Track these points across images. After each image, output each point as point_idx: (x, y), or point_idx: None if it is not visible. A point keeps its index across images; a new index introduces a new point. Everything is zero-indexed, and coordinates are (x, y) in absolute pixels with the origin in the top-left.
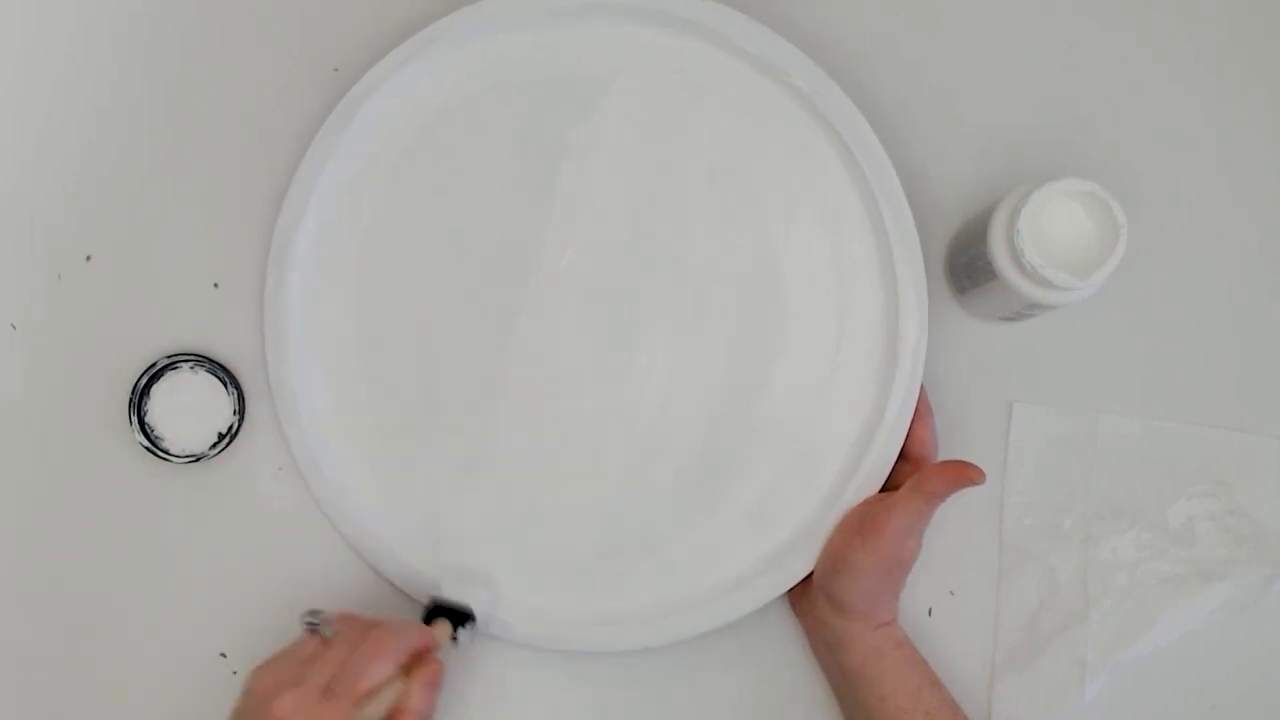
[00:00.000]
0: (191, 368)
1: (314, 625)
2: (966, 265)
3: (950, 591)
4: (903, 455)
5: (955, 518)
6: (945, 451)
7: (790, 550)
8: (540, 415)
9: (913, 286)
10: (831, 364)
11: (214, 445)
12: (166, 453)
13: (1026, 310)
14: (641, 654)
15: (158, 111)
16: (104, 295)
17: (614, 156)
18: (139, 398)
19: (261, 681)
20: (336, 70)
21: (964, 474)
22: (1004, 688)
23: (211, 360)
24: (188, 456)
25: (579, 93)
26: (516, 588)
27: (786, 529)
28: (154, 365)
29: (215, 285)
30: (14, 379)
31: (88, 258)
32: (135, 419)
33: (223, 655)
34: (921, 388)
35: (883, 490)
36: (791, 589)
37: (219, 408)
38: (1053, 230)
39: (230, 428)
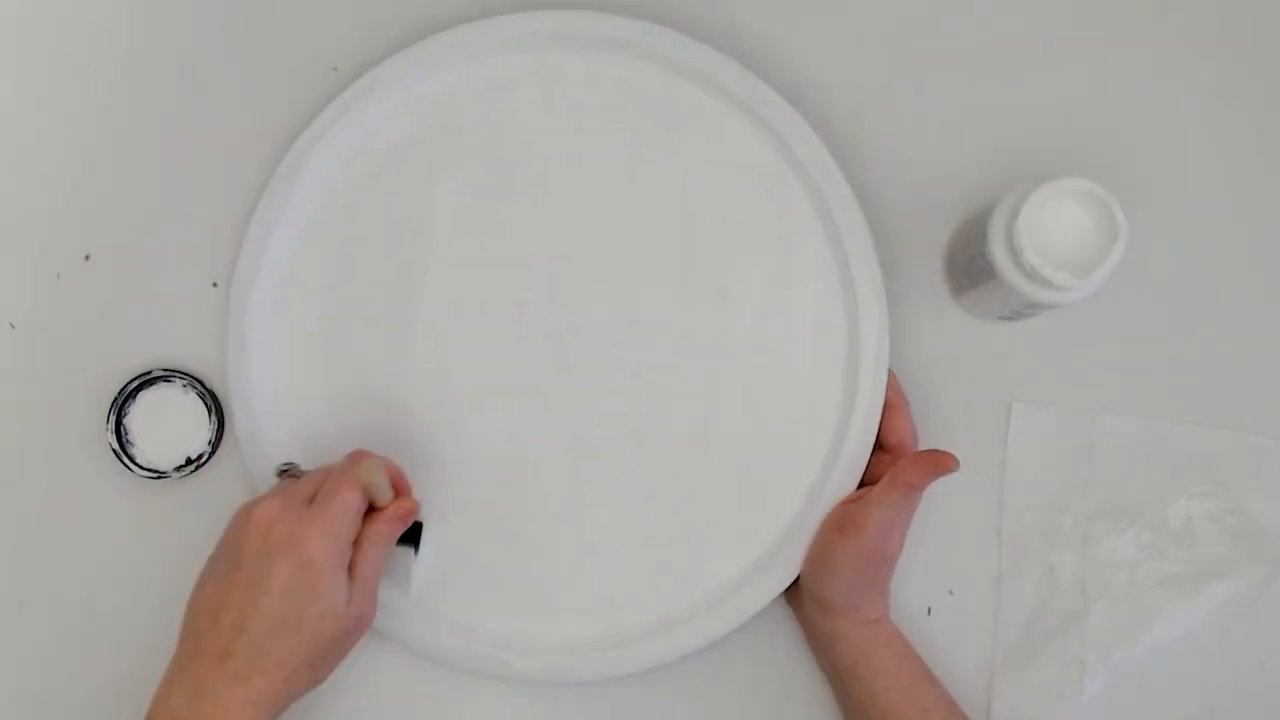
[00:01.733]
0: (184, 385)
1: (289, 470)
2: (966, 264)
3: (950, 591)
4: (881, 446)
5: (955, 517)
6: (946, 449)
7: (776, 554)
8: (513, 449)
9: (868, 280)
10: (798, 367)
11: (179, 468)
12: (132, 461)
13: (1026, 310)
14: (637, 675)
15: (158, 110)
16: (103, 295)
17: (569, 185)
18: (123, 400)
19: (243, 508)
20: (335, 69)
21: (938, 462)
22: (1003, 687)
23: (203, 385)
24: (151, 472)
25: (529, 125)
26: (507, 623)
27: (771, 533)
28: (149, 373)
29: (214, 285)
30: (12, 378)
31: (87, 257)
32: (113, 420)
33: None
34: (893, 378)
35: (863, 483)
36: (787, 590)
37: (196, 433)
38: (1052, 230)
39: (200, 456)
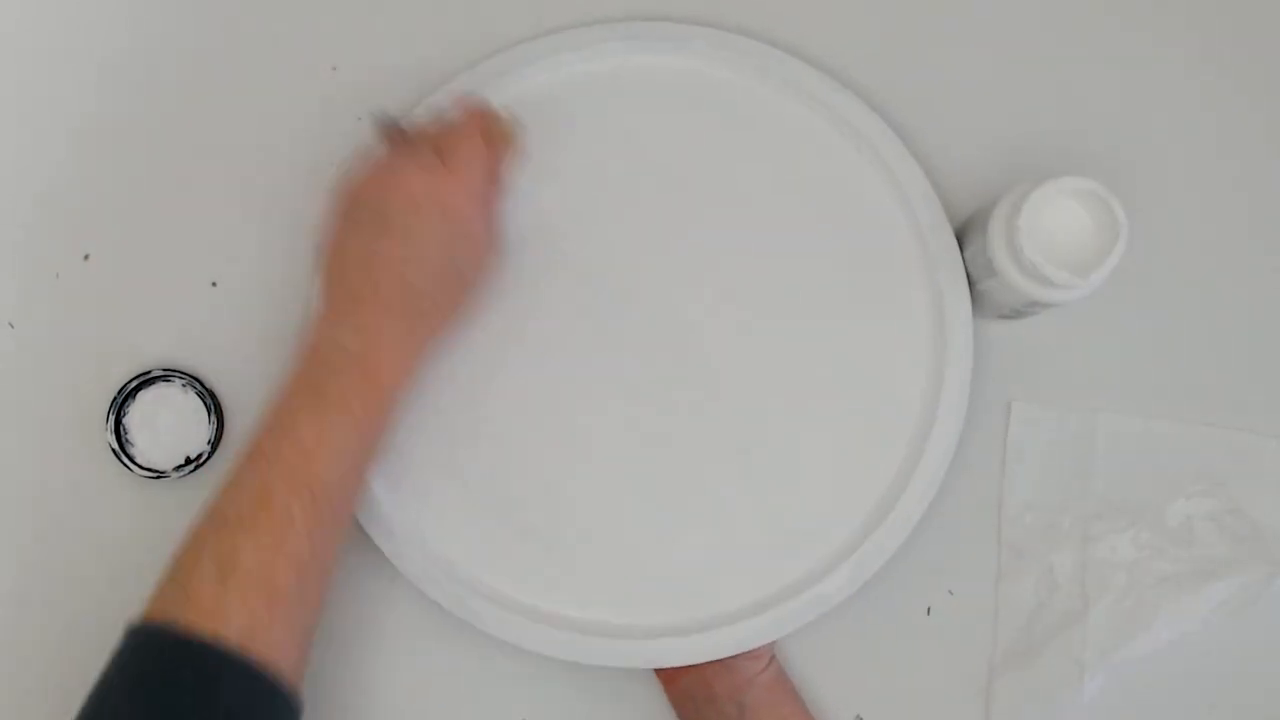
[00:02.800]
0: (184, 385)
1: (389, 123)
2: (966, 262)
3: (949, 591)
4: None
5: (954, 517)
6: (948, 450)
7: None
8: (583, 437)
9: (958, 309)
10: (878, 386)
11: (179, 467)
12: (131, 460)
13: (1026, 308)
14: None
15: (158, 110)
16: (102, 294)
17: (651, 189)
18: (123, 400)
19: (357, 183)
20: (334, 69)
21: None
22: (1002, 687)
23: (203, 385)
24: (150, 471)
25: (616, 133)
26: (539, 597)
27: (830, 547)
28: (148, 372)
29: (213, 284)
30: (11, 377)
31: (86, 257)
32: (112, 420)
33: None
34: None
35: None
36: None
37: (195, 432)
38: (1053, 228)
39: (200, 456)
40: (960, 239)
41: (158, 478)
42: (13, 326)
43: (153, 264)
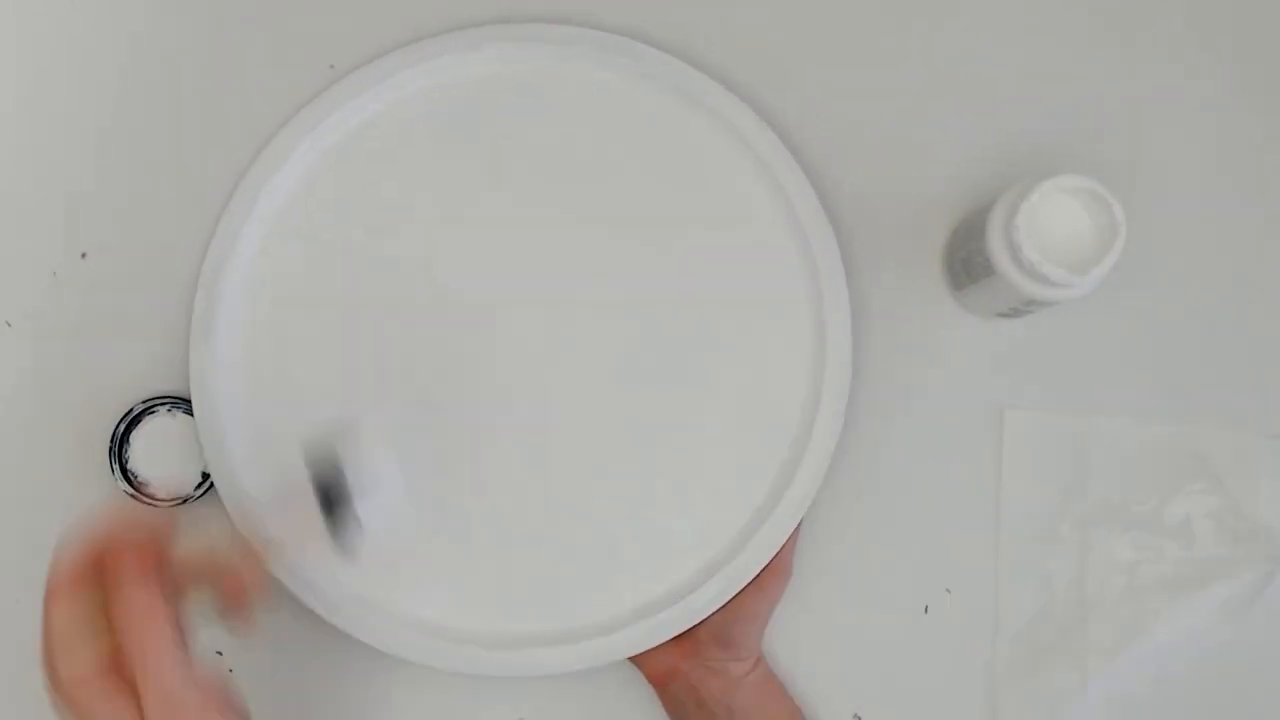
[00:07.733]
0: (169, 410)
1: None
2: (964, 260)
3: (947, 590)
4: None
5: (952, 515)
6: (941, 450)
7: (733, 558)
8: (480, 448)
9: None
10: (763, 357)
11: (199, 486)
12: (151, 498)
13: (1023, 307)
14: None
15: (156, 108)
16: (100, 293)
17: (542, 185)
18: (126, 430)
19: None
20: (332, 67)
21: None
22: (1007, 696)
23: (184, 399)
24: (175, 499)
25: (500, 127)
26: (438, 611)
27: (726, 537)
28: (131, 411)
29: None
30: (8, 376)
31: (83, 255)
32: (117, 467)
33: (219, 654)
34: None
35: None
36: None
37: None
38: (1051, 227)
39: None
40: (959, 237)
41: (184, 503)
42: (10, 325)
43: (151, 263)
